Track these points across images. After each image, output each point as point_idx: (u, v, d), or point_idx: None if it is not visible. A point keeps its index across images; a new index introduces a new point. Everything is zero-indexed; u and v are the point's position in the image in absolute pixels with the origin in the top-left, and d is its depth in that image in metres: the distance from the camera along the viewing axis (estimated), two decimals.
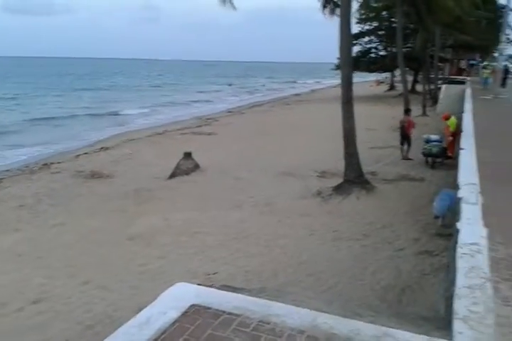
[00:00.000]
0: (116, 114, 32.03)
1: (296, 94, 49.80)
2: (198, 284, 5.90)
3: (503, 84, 25.81)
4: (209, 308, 3.03)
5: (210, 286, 4.28)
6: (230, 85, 68.27)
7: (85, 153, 16.93)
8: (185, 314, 2.93)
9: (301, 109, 30.86)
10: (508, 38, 46.16)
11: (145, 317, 2.87)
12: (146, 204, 10.33)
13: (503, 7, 29.90)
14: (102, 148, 18.00)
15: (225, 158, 14.83)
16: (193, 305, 3.08)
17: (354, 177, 10.21)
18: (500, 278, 3.55)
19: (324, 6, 15.35)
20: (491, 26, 38.89)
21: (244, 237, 7.98)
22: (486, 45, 40.72)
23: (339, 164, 10.77)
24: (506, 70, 29.26)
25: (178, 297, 3.22)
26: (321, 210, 9.13)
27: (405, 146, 13.24)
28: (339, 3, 12.02)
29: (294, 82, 79.84)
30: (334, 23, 10.57)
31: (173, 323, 2.81)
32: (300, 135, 18.42)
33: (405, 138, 13.25)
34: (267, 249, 7.36)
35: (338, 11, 12.99)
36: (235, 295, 3.32)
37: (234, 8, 11.68)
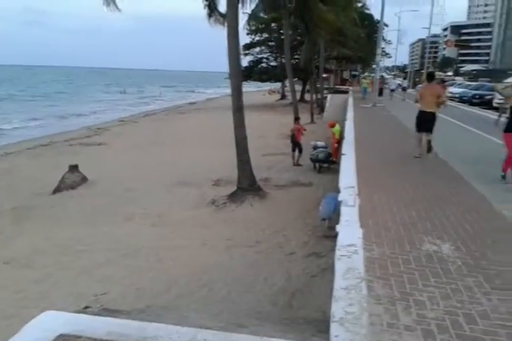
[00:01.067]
0: None
1: (192, 103, 49.67)
2: (85, 307, 5.50)
3: (380, 93, 28.25)
4: (79, 337, 2.77)
5: (85, 312, 3.97)
6: (122, 93, 65.84)
7: None
8: None
9: (197, 118, 30.78)
10: (384, 51, 50.81)
11: None
12: (26, 224, 9.44)
13: (378, 22, 32.77)
14: None
15: (116, 169, 14.16)
16: (61, 335, 2.79)
17: (247, 185, 10.33)
18: (374, 276, 3.73)
19: (210, 15, 15.44)
20: (368, 40, 42.43)
21: (135, 252, 7.62)
22: (365, 57, 44.36)
23: (233, 172, 10.83)
24: (383, 80, 32.25)
25: (44, 327, 2.90)
26: (215, 219, 9.07)
27: (296, 153, 13.77)
28: (225, 13, 12.16)
29: (192, 91, 79.41)
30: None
31: None
32: (195, 143, 18.31)
33: (296, 145, 13.79)
34: (159, 262, 7.09)
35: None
36: (109, 319, 3.08)
37: (118, 9, 11.22)
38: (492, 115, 18.12)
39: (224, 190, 10.85)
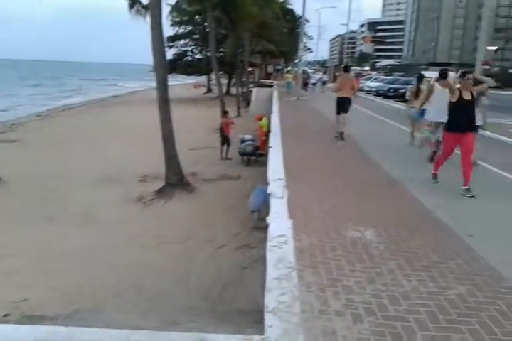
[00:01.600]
0: None
1: (115, 96, 47.69)
2: (4, 315, 5.10)
3: (306, 87, 29.02)
4: None
5: (6, 321, 3.69)
6: (36, 86, 61.67)
7: None
8: None
9: (121, 112, 29.63)
10: (306, 46, 52.16)
11: None
12: None
13: (300, 18, 33.51)
14: None
15: (33, 167, 13.24)
16: None
17: (176, 180, 10.16)
18: (304, 265, 3.83)
19: (131, 6, 14.89)
20: (291, 35, 43.30)
21: (59, 254, 7.18)
22: (288, 51, 45.24)
23: (160, 167, 10.59)
24: (307, 74, 33.00)
25: None
26: (143, 216, 8.83)
27: (225, 146, 13.75)
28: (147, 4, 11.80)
29: (114, 84, 76.06)
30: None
31: None
32: (120, 138, 17.61)
33: (225, 138, 13.78)
34: (85, 264, 6.75)
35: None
36: (35, 327, 2.90)
37: None
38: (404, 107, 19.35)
39: (151, 185, 10.58)
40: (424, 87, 10.16)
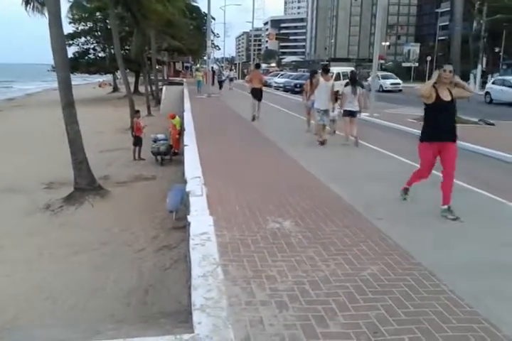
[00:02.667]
0: None
1: (10, 99, 44.02)
2: None
3: (220, 86, 28.47)
4: None
5: None
6: None
7: None
8: None
9: (18, 115, 27.43)
10: (213, 43, 52.19)
11: None
12: None
13: (206, 15, 33.37)
14: None
15: None
16: None
17: (86, 184, 9.65)
18: (228, 260, 3.86)
19: (27, 2, 13.84)
20: (198, 32, 42.98)
21: None
22: (196, 49, 44.89)
23: (68, 172, 10.00)
24: (220, 72, 32.59)
25: None
26: (51, 225, 8.28)
27: (137, 147, 13.34)
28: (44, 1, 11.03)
29: (9, 86, 69.70)
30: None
31: None
32: (19, 144, 16.30)
33: (136, 139, 13.35)
34: None
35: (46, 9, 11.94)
36: None
37: None
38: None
39: (59, 192, 9.95)
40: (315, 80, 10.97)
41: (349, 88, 10.12)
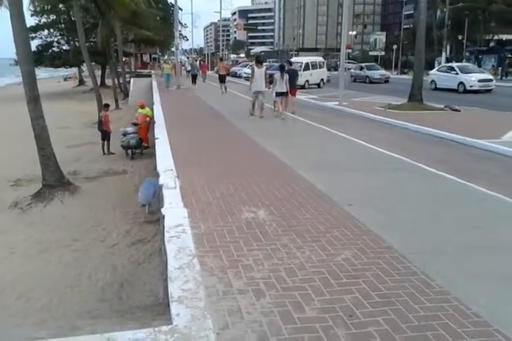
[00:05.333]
0: None
1: None
2: None
3: (193, 80, 26.17)
4: None
5: None
6: None
7: None
8: None
9: None
10: (181, 34, 51.44)
11: None
12: None
13: (173, 6, 32.76)
14: None
15: None
16: None
17: (54, 181, 9.42)
18: (204, 251, 3.87)
19: None
20: (165, 23, 42.24)
21: None
22: (163, 40, 44.12)
23: (36, 168, 9.74)
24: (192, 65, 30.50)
25: None
26: (21, 223, 8.06)
27: (106, 141, 13.09)
28: None
29: None
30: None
31: None
32: None
33: (104, 133, 13.09)
34: None
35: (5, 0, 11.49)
36: None
37: None
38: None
39: (27, 189, 9.69)
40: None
41: (279, 74, 12.98)
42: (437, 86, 24.41)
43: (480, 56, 38.93)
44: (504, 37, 47.85)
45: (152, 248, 6.23)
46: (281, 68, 13.39)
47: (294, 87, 14.21)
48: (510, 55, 38.56)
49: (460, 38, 46.26)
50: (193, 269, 3.46)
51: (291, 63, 15.68)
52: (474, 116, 14.15)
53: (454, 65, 25.94)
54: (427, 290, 3.27)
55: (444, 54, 40.33)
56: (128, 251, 6.46)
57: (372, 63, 39.71)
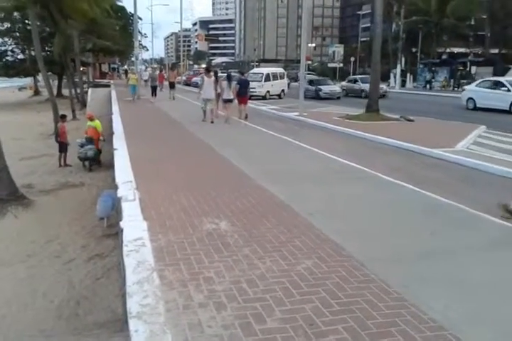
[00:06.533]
0: None
1: None
2: None
3: (153, 92, 23.67)
4: None
5: None
6: None
7: None
8: None
9: None
10: (141, 44, 50.94)
11: None
12: None
13: (132, 15, 32.48)
14: None
15: None
16: None
17: (7, 195, 9.03)
18: (164, 264, 3.80)
19: None
20: (124, 32, 41.76)
21: None
22: (123, 50, 43.56)
23: None
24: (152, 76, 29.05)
25: None
26: None
27: (62, 153, 12.70)
28: None
29: None
30: None
31: None
32: None
33: (62, 144, 12.70)
34: None
35: None
36: None
37: None
38: None
39: None
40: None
41: (226, 83, 14.52)
42: (477, 105, 20.16)
43: (433, 68, 40.49)
44: (455, 50, 50.27)
45: (110, 262, 6.07)
46: (228, 78, 14.81)
47: (245, 95, 15.36)
48: (461, 67, 40.49)
49: (414, 50, 48.16)
50: (153, 284, 3.39)
51: (243, 74, 17.06)
52: (427, 125, 14.70)
53: (503, 79, 20.69)
54: (385, 297, 3.33)
55: (399, 66, 41.79)
56: (85, 267, 6.26)
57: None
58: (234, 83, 14.97)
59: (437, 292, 3.45)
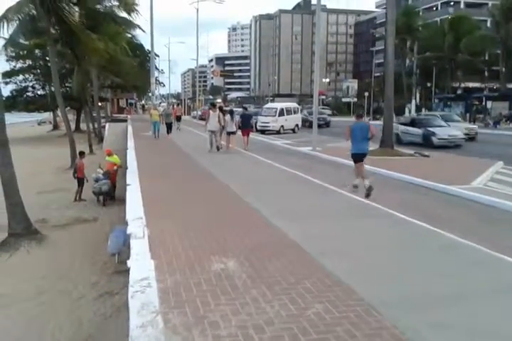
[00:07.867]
0: None
1: None
2: None
3: (169, 129, 24.64)
4: None
5: None
6: None
7: None
8: None
9: None
10: (157, 80, 52.45)
11: None
12: None
13: (149, 52, 33.64)
14: None
15: None
16: None
17: (21, 229, 9.10)
18: (169, 307, 3.71)
19: None
20: (142, 69, 43.17)
21: None
22: (140, 85, 44.86)
23: (2, 216, 9.42)
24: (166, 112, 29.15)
25: None
26: None
27: (78, 188, 12.85)
28: None
29: None
30: None
31: None
32: None
33: (80, 179, 12.86)
34: None
35: None
36: None
37: None
38: None
39: None
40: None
41: (229, 117, 16.00)
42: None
43: (448, 103, 40.59)
44: (470, 84, 50.55)
45: (120, 300, 5.97)
46: (231, 113, 16.78)
47: (247, 128, 17.32)
48: (476, 102, 40.52)
49: (429, 85, 48.56)
50: (156, 328, 3.31)
51: (246, 109, 20.38)
52: (443, 161, 14.58)
53: None
54: None
55: (413, 101, 42.07)
56: (95, 305, 6.18)
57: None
58: (237, 117, 16.94)
59: (452, 339, 3.29)
